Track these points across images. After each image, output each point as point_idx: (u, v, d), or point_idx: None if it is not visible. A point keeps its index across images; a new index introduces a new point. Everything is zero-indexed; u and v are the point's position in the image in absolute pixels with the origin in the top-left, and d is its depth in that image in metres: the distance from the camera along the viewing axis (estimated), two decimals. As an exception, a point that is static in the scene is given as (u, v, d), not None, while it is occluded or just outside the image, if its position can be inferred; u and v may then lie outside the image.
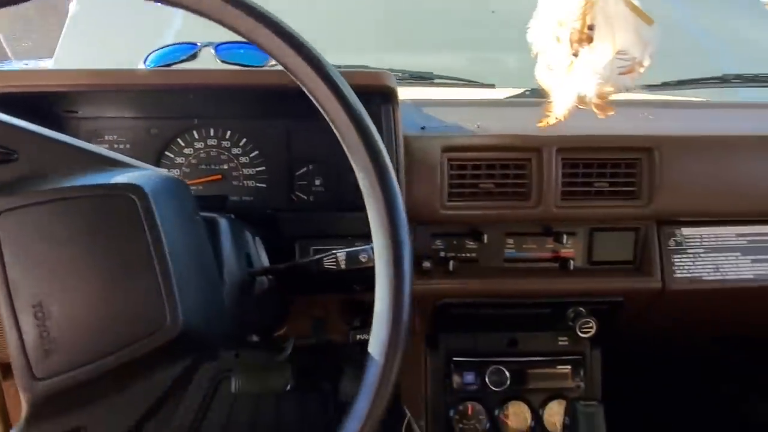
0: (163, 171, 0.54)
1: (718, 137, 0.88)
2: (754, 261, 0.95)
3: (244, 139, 0.91)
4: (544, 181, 0.86)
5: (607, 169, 0.87)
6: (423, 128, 0.85)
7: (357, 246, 0.62)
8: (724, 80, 1.13)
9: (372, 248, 0.48)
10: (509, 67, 1.42)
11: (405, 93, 1.12)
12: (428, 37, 1.47)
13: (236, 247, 0.60)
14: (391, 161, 0.80)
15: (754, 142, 0.89)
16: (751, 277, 0.94)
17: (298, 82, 0.48)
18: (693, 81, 1.15)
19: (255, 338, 0.89)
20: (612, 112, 0.61)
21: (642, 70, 0.59)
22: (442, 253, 0.91)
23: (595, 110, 0.62)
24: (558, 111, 0.63)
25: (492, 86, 1.17)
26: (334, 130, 0.48)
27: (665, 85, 1.15)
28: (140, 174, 0.50)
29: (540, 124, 0.66)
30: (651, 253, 0.93)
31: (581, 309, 0.94)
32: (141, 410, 0.48)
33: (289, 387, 1.41)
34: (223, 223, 0.58)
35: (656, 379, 1.36)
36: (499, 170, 0.86)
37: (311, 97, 0.47)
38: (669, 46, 1.38)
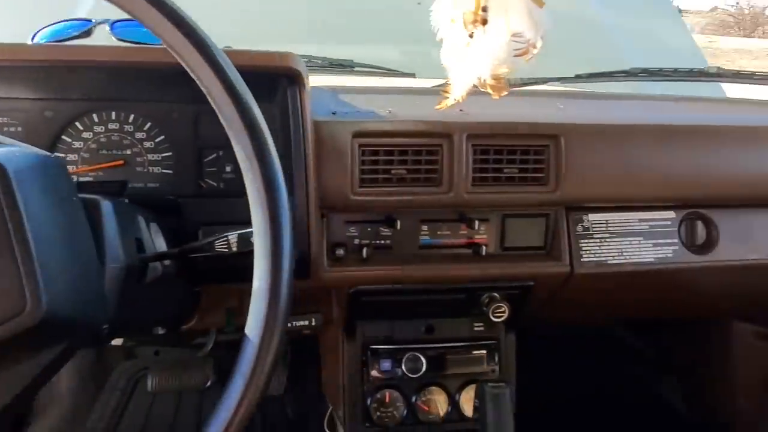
0: (35, 149, 0.50)
1: (621, 126, 0.92)
2: (654, 245, 0.99)
3: (149, 123, 0.87)
4: (455, 167, 0.86)
5: (517, 155, 0.89)
6: (334, 113, 0.84)
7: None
8: (631, 74, 1.18)
9: None
10: (433, 58, 1.44)
11: (324, 80, 1.12)
12: (354, 28, 1.46)
13: (123, 231, 0.57)
14: (299, 146, 0.80)
15: (653, 132, 0.93)
16: (652, 260, 0.99)
17: (173, 54, 0.45)
18: (603, 74, 1.19)
19: (160, 330, 0.86)
20: (506, 92, 0.63)
21: (535, 51, 0.60)
22: (356, 241, 0.91)
23: (490, 91, 0.62)
24: (456, 92, 0.63)
25: (412, 76, 1.18)
26: (212, 103, 0.46)
27: (578, 78, 1.19)
28: (5, 150, 0.47)
29: (438, 107, 0.66)
30: (560, 238, 0.96)
31: (494, 294, 0.96)
32: (5, 400, 0.44)
33: (210, 383, 1.37)
34: (107, 206, 0.55)
35: (568, 360, 1.40)
36: (411, 156, 0.86)
37: (185, 66, 0.45)
38: (583, 41, 1.43)
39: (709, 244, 1.02)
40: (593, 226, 0.98)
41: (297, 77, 0.78)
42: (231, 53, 0.74)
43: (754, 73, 1.17)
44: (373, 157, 0.85)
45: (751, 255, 1.03)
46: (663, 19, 1.55)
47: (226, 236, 0.57)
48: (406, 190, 0.86)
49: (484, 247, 0.92)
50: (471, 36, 0.59)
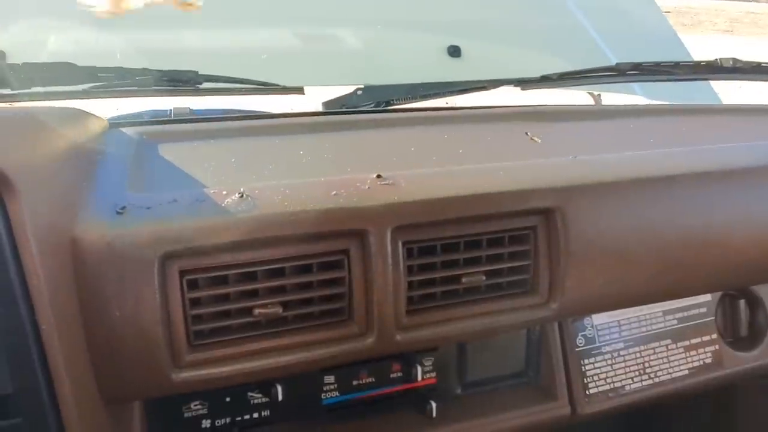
0: None
1: (654, 180, 0.55)
2: (687, 349, 0.65)
3: None
4: (375, 288, 0.46)
5: (482, 250, 0.50)
6: (122, 210, 0.41)
7: None
8: (618, 72, 0.82)
9: None
10: (337, 55, 1.00)
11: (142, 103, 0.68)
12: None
13: None
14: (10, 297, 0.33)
15: (695, 182, 0.57)
16: (686, 373, 0.64)
17: None
18: (579, 74, 0.82)
19: None
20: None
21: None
22: (206, 423, 0.50)
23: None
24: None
25: (300, 91, 0.75)
26: None
27: (545, 81, 0.81)
28: None
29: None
30: (551, 362, 0.59)
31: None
32: None
33: None
34: None
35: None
36: (291, 278, 0.45)
37: None
38: (546, 31, 1.04)
39: (755, 334, 0.69)
40: (600, 334, 0.62)
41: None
42: None
43: (780, 66, 0.83)
44: (216, 290, 0.43)
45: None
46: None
47: None
48: (287, 342, 0.46)
49: (432, 404, 0.54)
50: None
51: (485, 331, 0.53)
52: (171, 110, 0.68)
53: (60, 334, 0.37)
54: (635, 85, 0.90)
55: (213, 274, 0.43)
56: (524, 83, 0.81)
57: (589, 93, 0.94)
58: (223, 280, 0.44)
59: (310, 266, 0.45)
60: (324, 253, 0.45)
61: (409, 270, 0.48)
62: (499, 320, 0.52)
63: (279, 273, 0.45)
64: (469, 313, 0.51)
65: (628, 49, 0.96)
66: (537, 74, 0.81)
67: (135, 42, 0.81)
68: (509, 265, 0.51)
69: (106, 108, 0.63)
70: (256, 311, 0.44)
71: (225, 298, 0.44)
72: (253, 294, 0.45)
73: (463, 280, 0.50)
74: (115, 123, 0.57)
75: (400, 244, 0.47)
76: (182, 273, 0.42)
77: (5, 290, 0.34)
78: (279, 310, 0.45)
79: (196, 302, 0.43)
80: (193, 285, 0.43)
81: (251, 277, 0.44)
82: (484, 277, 0.50)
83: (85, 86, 0.64)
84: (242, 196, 0.44)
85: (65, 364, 0.37)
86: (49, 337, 0.36)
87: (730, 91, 1.07)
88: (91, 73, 0.63)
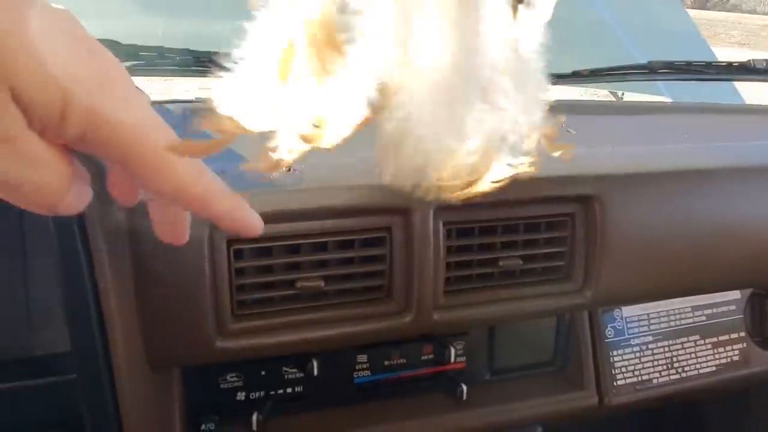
0: None
1: (692, 172, 0.55)
2: (715, 345, 0.65)
3: None
4: (416, 267, 0.47)
5: (519, 234, 0.51)
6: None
7: None
8: (650, 70, 0.82)
9: None
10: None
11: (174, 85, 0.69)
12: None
13: None
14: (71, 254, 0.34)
15: (733, 176, 0.57)
16: (713, 369, 0.64)
17: None
18: (611, 70, 0.82)
19: None
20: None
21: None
22: (240, 395, 0.50)
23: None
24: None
25: None
26: None
27: (576, 77, 0.81)
28: None
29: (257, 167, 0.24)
30: (580, 352, 0.59)
31: (481, 452, 0.59)
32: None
33: None
34: None
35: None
36: (333, 253, 0.46)
37: None
38: (577, 29, 1.04)
39: (784, 333, 0.69)
40: (630, 326, 0.62)
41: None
42: None
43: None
44: (259, 261, 0.44)
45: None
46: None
47: None
48: (326, 316, 0.46)
49: (463, 387, 0.54)
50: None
51: (519, 315, 0.53)
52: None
53: (116, 297, 0.37)
54: (660, 83, 0.91)
55: (258, 245, 0.44)
56: (555, 78, 0.82)
57: (611, 91, 0.94)
58: (267, 252, 0.44)
59: (352, 242, 0.46)
60: (366, 230, 0.46)
61: (448, 251, 0.48)
62: (533, 305, 0.52)
63: (322, 247, 0.45)
64: (504, 297, 0.51)
65: (654, 48, 0.96)
66: (558, 70, 0.81)
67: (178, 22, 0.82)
68: (545, 250, 0.52)
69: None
70: (298, 284, 0.45)
71: (269, 269, 0.45)
72: (296, 267, 0.45)
73: (500, 263, 0.50)
74: (156, 101, 0.58)
75: (441, 224, 0.47)
76: (229, 243, 0.43)
77: (70, 251, 0.35)
78: (320, 283, 0.45)
79: (240, 272, 0.44)
80: (239, 255, 0.43)
81: (294, 250, 0.45)
82: (520, 260, 0.51)
83: (127, 64, 0.65)
84: (289, 170, 0.45)
85: (120, 326, 0.38)
86: (107, 299, 0.37)
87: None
88: (133, 52, 0.64)
